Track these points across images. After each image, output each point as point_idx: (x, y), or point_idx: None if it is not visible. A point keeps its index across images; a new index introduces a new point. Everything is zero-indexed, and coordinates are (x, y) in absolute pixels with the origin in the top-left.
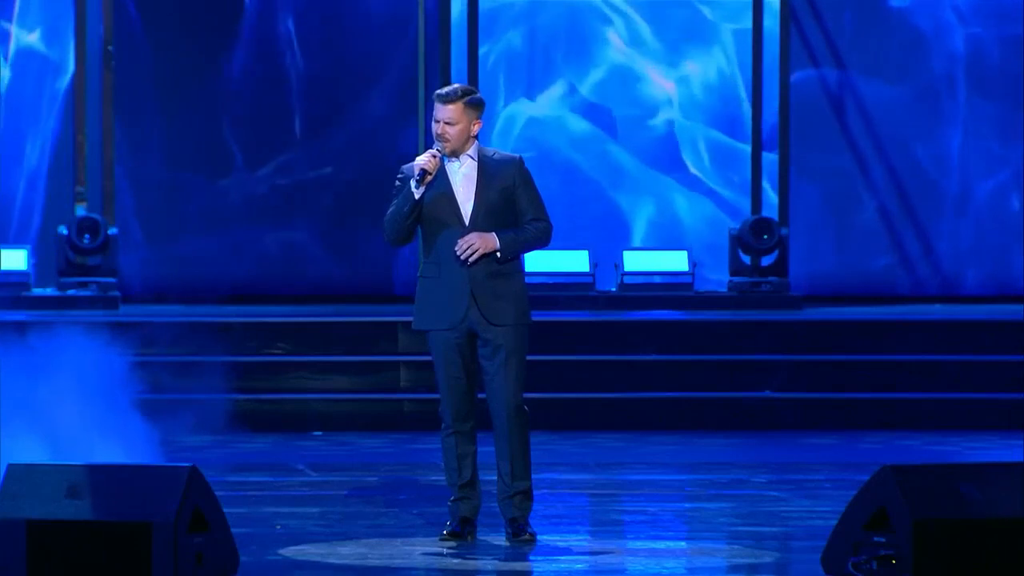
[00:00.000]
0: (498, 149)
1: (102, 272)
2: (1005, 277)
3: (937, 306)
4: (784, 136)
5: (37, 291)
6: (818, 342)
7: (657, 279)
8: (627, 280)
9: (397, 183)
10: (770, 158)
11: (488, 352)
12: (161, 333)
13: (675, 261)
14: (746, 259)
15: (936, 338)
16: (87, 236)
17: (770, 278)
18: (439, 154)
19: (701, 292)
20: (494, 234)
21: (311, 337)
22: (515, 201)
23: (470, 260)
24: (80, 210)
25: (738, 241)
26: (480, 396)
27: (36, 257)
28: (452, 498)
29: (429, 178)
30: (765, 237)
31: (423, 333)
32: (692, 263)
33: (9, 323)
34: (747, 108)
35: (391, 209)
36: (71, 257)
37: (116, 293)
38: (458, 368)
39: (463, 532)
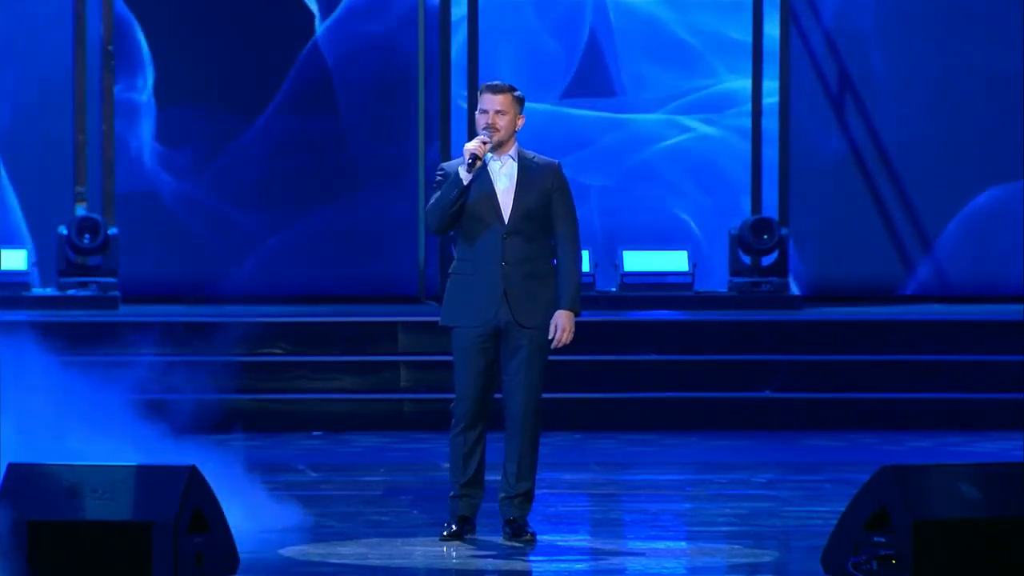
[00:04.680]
0: (536, 153)
1: (102, 272)
2: (1005, 277)
3: (937, 306)
4: (784, 136)
5: (37, 291)
6: (818, 342)
7: (657, 279)
8: (627, 280)
9: (438, 178)
10: (770, 157)
11: (511, 352)
12: (161, 333)
13: (675, 261)
14: (746, 259)
15: (936, 338)
16: (87, 236)
17: (770, 278)
18: (489, 142)
19: (701, 292)
20: (567, 312)
21: (311, 337)
22: (551, 206)
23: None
24: (80, 210)
25: (738, 241)
26: (496, 396)
27: (36, 257)
28: (452, 494)
29: (479, 163)
30: (765, 237)
31: (448, 330)
32: (692, 263)
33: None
34: (747, 108)
35: (433, 199)
36: (71, 257)
37: (116, 293)
38: (479, 370)
39: (462, 532)
